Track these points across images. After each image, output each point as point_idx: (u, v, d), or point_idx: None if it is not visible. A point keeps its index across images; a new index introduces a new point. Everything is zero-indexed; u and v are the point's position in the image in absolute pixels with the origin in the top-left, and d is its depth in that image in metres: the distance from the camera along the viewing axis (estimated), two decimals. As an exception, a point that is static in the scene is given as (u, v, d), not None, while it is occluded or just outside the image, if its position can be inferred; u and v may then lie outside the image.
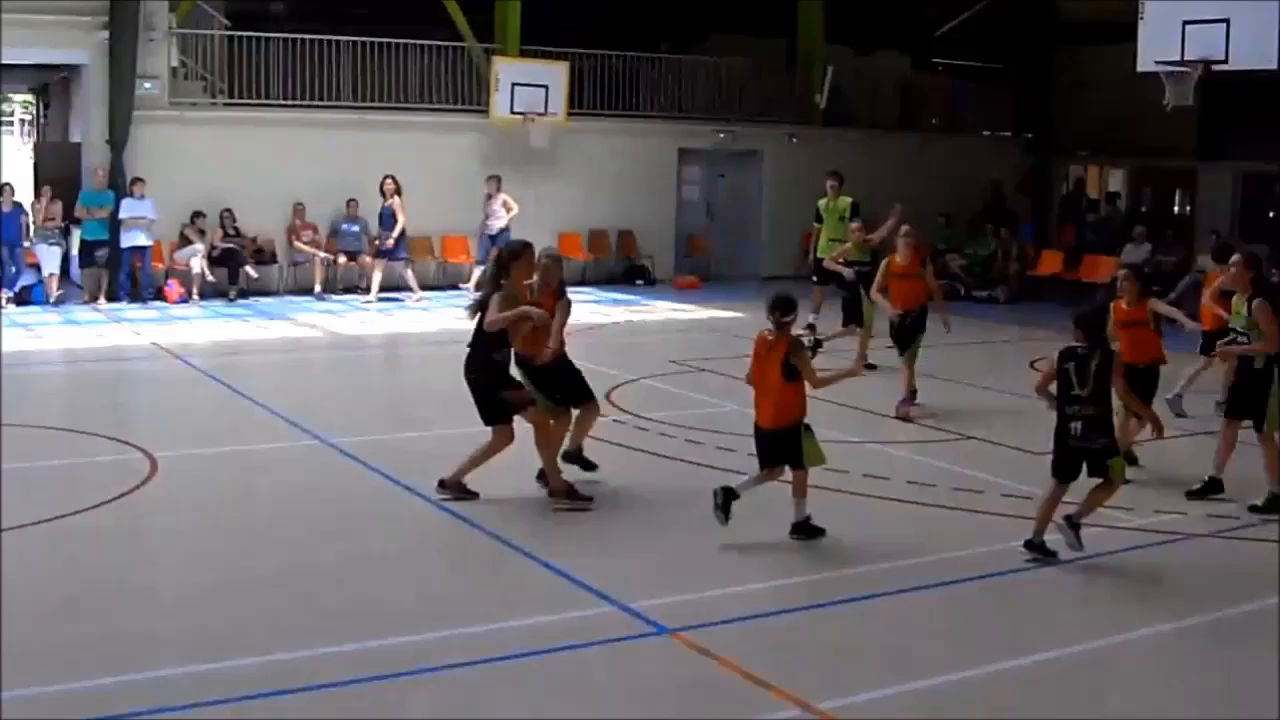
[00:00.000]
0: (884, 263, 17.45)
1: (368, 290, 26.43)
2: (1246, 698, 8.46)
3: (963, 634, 9.43)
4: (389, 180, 26.10)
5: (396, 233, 26.18)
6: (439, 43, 29.05)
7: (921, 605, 9.87)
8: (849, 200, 22.28)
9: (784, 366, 11.04)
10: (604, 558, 10.84)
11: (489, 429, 12.06)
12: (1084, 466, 10.88)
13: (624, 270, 30.74)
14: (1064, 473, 10.92)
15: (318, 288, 26.36)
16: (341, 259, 27.04)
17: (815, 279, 22.33)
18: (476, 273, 26.92)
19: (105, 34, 24.91)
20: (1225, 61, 20.46)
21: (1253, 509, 12.37)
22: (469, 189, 28.20)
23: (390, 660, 8.51)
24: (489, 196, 27.58)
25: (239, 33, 27.48)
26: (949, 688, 8.41)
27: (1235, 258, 13.38)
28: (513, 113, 28.48)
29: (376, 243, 26.51)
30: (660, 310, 26.57)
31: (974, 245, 31.08)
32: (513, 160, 28.93)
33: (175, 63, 26.62)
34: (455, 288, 28.04)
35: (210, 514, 11.89)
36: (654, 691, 8.40)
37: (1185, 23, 20.79)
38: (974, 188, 33.64)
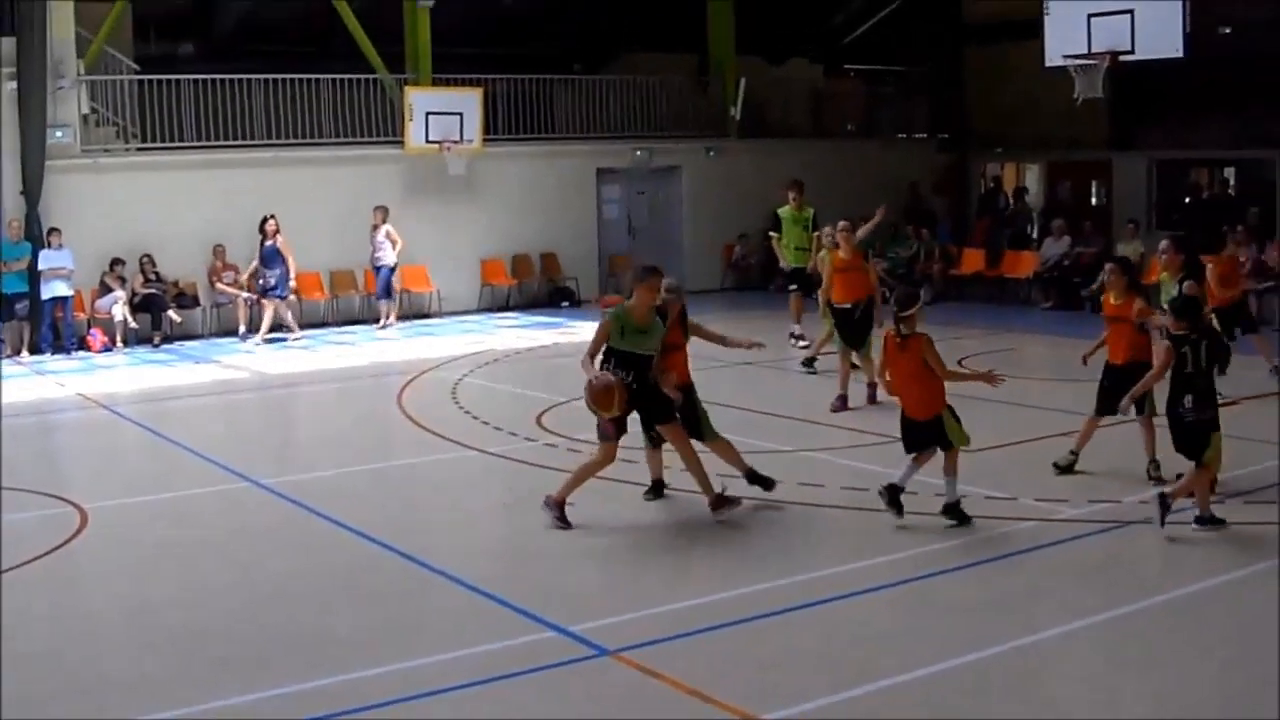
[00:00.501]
0: (825, 258, 17.71)
1: (292, 332, 26.32)
2: (1185, 685, 8.54)
3: (900, 638, 9.43)
4: (270, 220, 25.75)
5: (288, 271, 25.83)
6: (351, 75, 28.93)
7: (858, 611, 9.90)
8: (812, 209, 22.73)
9: (923, 363, 11.73)
10: (543, 581, 10.82)
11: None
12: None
13: (549, 293, 30.72)
14: (1182, 448, 11.51)
15: (242, 328, 26.16)
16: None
17: (794, 287, 22.80)
18: (383, 305, 26.99)
19: (13, 84, 24.65)
20: (1132, 52, 20.65)
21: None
22: (391, 221, 28.17)
23: (333, 698, 8.46)
24: (375, 228, 27.39)
25: (149, 76, 27.26)
26: (892, 691, 8.44)
27: (1165, 244, 13.95)
28: (428, 142, 28.37)
29: (259, 282, 26.17)
30: (586, 331, 26.46)
31: (895, 247, 31.19)
32: (431, 189, 28.91)
33: (86, 110, 26.34)
34: (407, 319, 28.03)
35: (143, 564, 11.78)
36: (602, 714, 8.37)
37: (1090, 16, 20.97)
38: (893, 190, 33.76)
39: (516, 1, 32.92)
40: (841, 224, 18.01)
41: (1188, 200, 32.88)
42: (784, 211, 22.63)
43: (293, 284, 26.32)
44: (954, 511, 11.80)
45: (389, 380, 20.68)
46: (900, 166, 34.97)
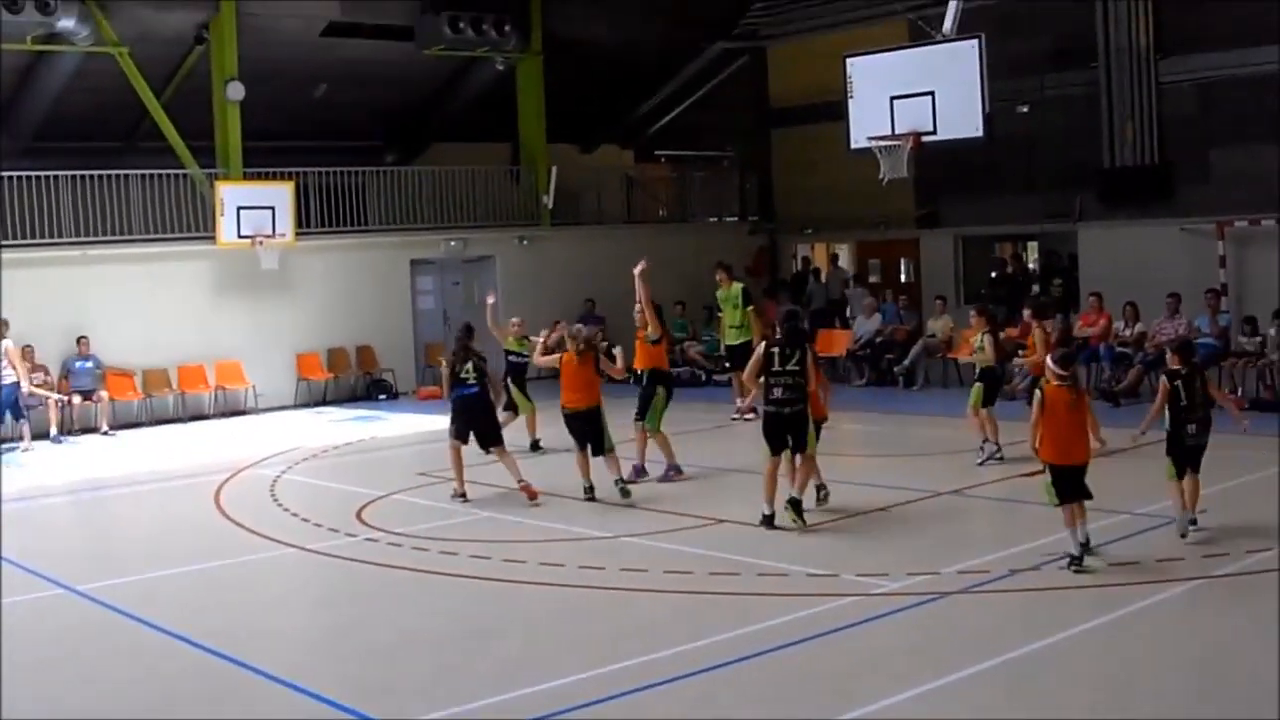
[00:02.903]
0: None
1: (105, 430, 25.86)
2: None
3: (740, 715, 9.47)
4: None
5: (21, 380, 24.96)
6: (161, 170, 28.58)
7: (690, 693, 9.92)
8: (740, 286, 24.30)
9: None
10: (369, 677, 10.69)
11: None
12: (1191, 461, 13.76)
13: (366, 385, 30.49)
14: (1181, 468, 13.73)
15: (54, 430, 25.62)
16: (76, 399, 26.38)
17: (728, 364, 24.04)
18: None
19: None
20: (934, 133, 21.10)
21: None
22: (204, 318, 27.88)
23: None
24: None
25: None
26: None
27: (972, 311, 17.46)
28: (240, 236, 28.08)
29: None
30: (404, 423, 26.40)
31: (711, 330, 31.49)
32: (244, 284, 28.65)
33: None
34: (196, 419, 27.63)
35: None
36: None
37: (893, 98, 21.40)
38: (706, 274, 34.16)
39: (327, 94, 32.83)
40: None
41: (994, 275, 33.61)
42: (719, 293, 24.20)
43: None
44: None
45: (206, 480, 20.37)
46: (713, 250, 35.28)
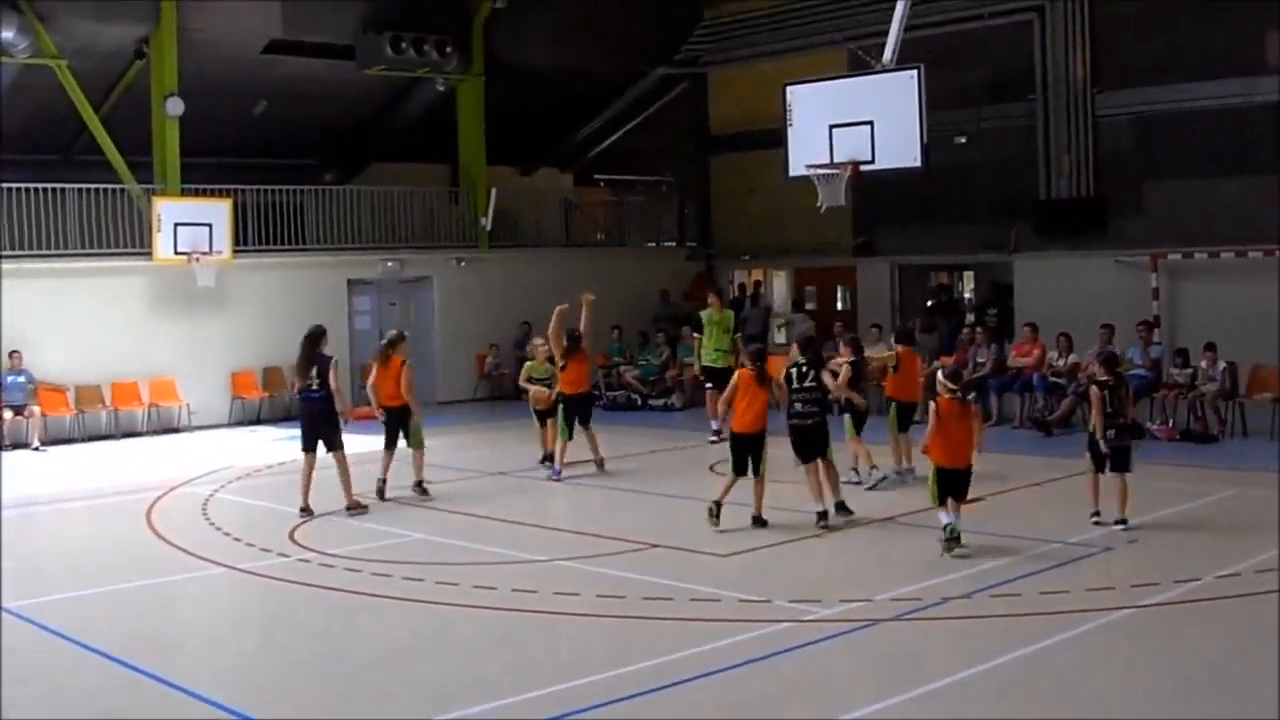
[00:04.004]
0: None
1: (36, 446, 25.67)
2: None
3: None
4: None
5: None
6: (98, 185, 28.42)
7: (619, 719, 9.91)
8: (731, 313, 24.96)
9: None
10: (293, 698, 10.64)
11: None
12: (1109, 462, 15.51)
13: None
14: (1101, 465, 15.60)
15: (-14, 446, 25.46)
16: (8, 414, 26.15)
17: (709, 385, 24.02)
18: None
19: None
20: (872, 162, 21.19)
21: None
22: (138, 334, 27.70)
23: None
24: None
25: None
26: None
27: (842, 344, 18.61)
28: (177, 253, 27.93)
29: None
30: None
31: (647, 354, 31.55)
32: (180, 300, 28.51)
33: None
34: (129, 436, 27.44)
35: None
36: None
37: (832, 127, 21.46)
38: (644, 298, 34.29)
39: (267, 111, 32.73)
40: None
41: (930, 303, 33.80)
42: (706, 314, 24.23)
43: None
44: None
45: (138, 497, 20.21)
46: (651, 274, 35.46)
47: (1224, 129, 27.33)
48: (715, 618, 12.11)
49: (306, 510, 17.85)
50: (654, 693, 10.27)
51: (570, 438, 20.34)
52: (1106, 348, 19.62)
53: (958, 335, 28.67)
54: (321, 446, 18.11)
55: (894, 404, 19.36)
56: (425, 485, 19.14)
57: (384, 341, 19.70)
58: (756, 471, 16.24)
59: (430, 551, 15.64)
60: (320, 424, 18.05)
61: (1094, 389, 15.83)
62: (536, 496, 18.58)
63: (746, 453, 16.23)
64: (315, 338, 18.33)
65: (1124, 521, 15.25)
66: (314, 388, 17.90)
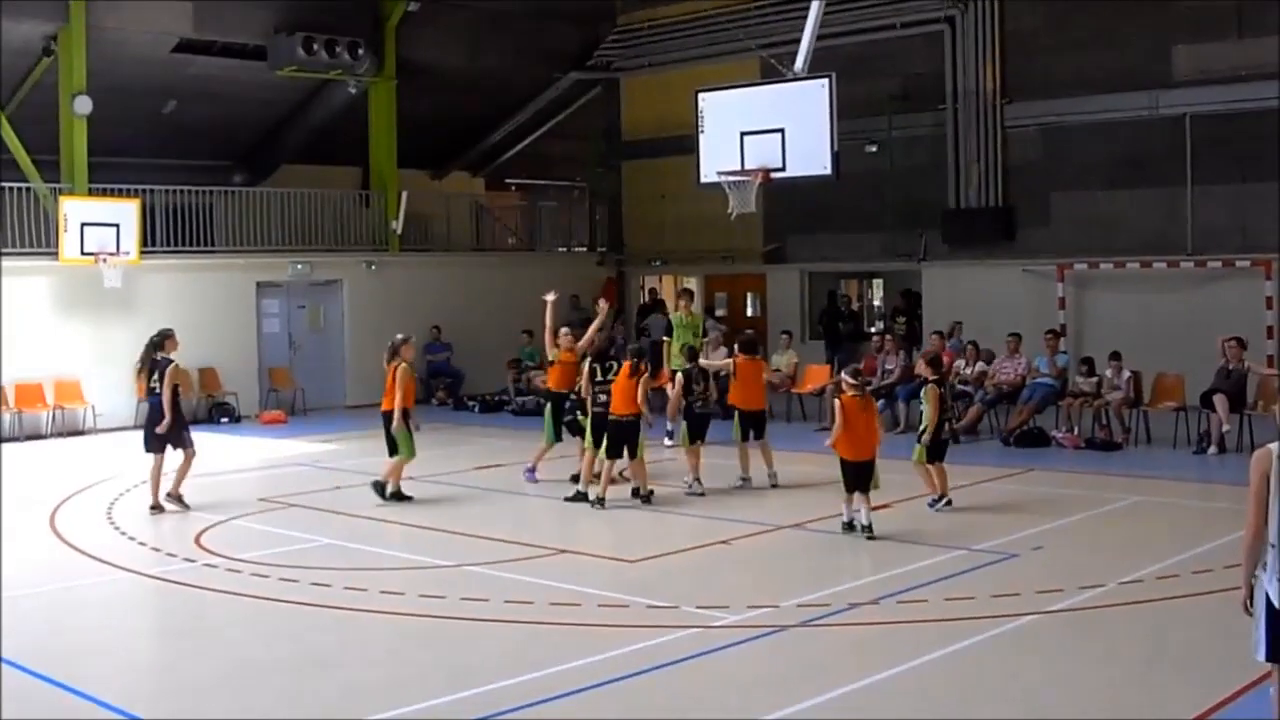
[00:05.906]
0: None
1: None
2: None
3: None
4: None
5: None
6: (4, 184, 28.06)
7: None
8: (701, 317, 25.41)
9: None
10: (194, 707, 10.56)
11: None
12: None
13: (208, 408, 30.11)
14: (934, 458, 17.29)
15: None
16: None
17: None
18: None
19: None
20: (783, 170, 21.27)
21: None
22: (41, 335, 27.40)
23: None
24: None
25: None
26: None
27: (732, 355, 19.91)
28: (84, 253, 27.61)
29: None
30: (246, 447, 26.10)
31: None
32: (87, 302, 28.21)
33: None
34: (32, 439, 27.12)
35: None
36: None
37: (743, 134, 21.53)
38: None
39: (176, 111, 32.46)
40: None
41: (843, 310, 34.00)
42: (676, 318, 24.43)
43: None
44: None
45: (41, 501, 19.99)
46: (562, 279, 35.35)
47: (1130, 141, 27.71)
48: (624, 623, 12.13)
49: (157, 508, 18.51)
50: (560, 699, 10.26)
51: (558, 439, 20.26)
52: (929, 350, 20.45)
53: (858, 344, 28.89)
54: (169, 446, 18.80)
55: (736, 412, 19.83)
56: (383, 485, 18.73)
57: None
58: (634, 454, 18.03)
59: (337, 556, 15.55)
60: (158, 424, 18.64)
61: (934, 388, 17.35)
62: (445, 502, 18.50)
63: (623, 438, 17.94)
64: (156, 343, 18.84)
65: (949, 500, 17.27)
66: (156, 391, 18.52)
